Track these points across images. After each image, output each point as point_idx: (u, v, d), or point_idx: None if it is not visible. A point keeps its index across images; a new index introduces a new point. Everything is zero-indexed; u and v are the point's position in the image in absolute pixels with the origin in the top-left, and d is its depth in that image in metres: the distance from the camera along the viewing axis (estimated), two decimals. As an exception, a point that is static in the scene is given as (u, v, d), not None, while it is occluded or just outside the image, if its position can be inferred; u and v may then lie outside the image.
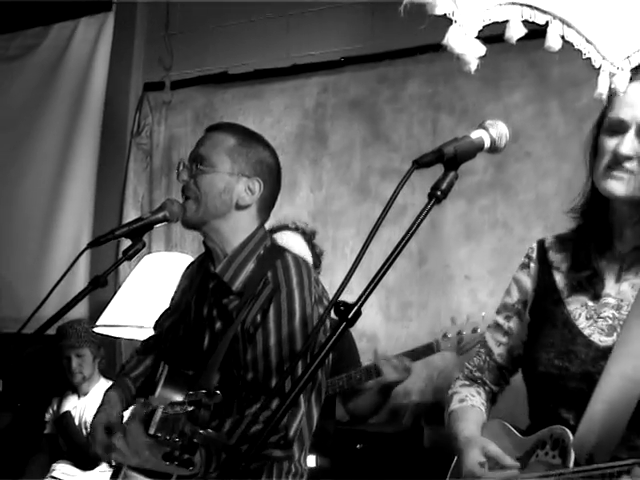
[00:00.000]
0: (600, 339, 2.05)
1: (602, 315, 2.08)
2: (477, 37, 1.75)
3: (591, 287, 2.12)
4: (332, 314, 1.73)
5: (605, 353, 2.01)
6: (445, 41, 1.55)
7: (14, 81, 6.49)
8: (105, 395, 2.88)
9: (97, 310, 5.14)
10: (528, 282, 2.29)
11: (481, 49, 1.61)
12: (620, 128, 2.02)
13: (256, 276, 2.64)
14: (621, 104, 1.99)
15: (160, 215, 2.72)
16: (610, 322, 2.06)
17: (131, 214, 5.67)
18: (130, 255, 2.67)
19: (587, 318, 2.10)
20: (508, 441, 2.16)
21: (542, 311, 2.21)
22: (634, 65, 1.73)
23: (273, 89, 5.59)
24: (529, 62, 4.79)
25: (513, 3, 1.59)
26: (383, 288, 4.96)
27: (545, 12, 1.65)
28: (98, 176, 6.03)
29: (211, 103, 5.81)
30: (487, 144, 1.90)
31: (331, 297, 1.70)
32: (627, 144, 2.00)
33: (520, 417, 2.30)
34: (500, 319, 2.36)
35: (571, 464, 1.92)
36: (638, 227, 2.09)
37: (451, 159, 1.80)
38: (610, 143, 2.05)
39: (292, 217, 4.39)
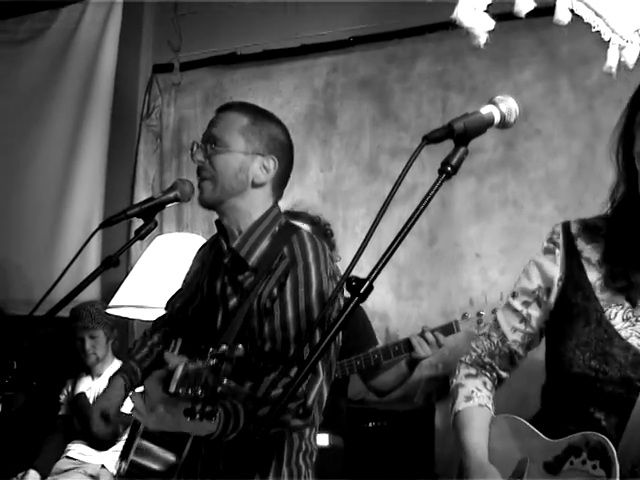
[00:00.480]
0: (639, 343, 1.97)
1: None
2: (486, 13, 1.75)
3: (626, 292, 2.02)
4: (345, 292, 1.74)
5: None
6: (454, 15, 1.55)
7: (23, 65, 6.50)
8: (110, 381, 2.91)
9: (109, 292, 5.17)
10: (554, 269, 2.16)
11: (490, 23, 1.61)
12: None
13: (271, 252, 2.66)
14: None
15: (172, 195, 2.75)
16: None
17: (142, 196, 5.69)
18: (142, 235, 2.69)
19: (624, 319, 2.01)
20: (530, 441, 2.09)
21: (572, 305, 2.10)
22: (644, 38, 1.73)
23: (282, 69, 5.60)
24: (538, 40, 4.78)
25: (521, -23, 1.59)
26: (394, 267, 4.98)
27: (554, -14, 1.65)
28: (108, 158, 6.05)
29: (220, 84, 5.82)
30: (497, 119, 1.90)
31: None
32: None
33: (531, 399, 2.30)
34: (517, 304, 2.25)
35: (617, 477, 1.84)
36: None
37: (461, 134, 1.80)
38: None
39: (306, 201, 4.40)
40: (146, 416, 2.52)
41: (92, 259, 5.71)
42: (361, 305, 4.44)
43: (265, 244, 2.70)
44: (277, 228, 2.74)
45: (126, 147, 6.04)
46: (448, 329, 4.10)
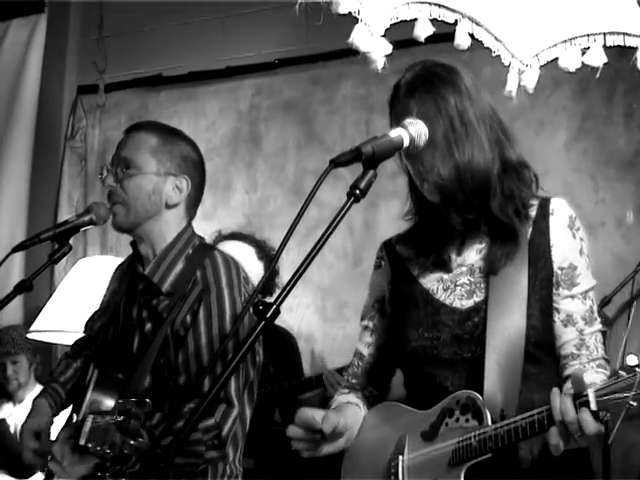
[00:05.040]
0: (461, 303, 2.19)
1: (458, 283, 2.21)
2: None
3: (441, 264, 2.24)
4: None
5: (468, 314, 2.16)
6: (350, 40, 1.56)
7: (-55, 86, 6.39)
8: (33, 403, 2.86)
9: (33, 316, 5.08)
10: (383, 279, 2.39)
11: (387, 47, 1.62)
12: None
13: (185, 276, 2.65)
14: None
15: (86, 218, 2.72)
16: (468, 287, 2.20)
17: (65, 218, 5.61)
18: (56, 259, 2.67)
19: (444, 289, 2.22)
20: (404, 419, 2.22)
21: (402, 298, 2.30)
22: (543, 62, 1.75)
23: (207, 91, 5.60)
24: (461, 62, 4.80)
25: (422, 2, 1.60)
26: (319, 289, 4.99)
27: (454, 11, 1.67)
28: (32, 181, 5.96)
29: (145, 106, 5.78)
30: (406, 142, 1.93)
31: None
32: None
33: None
34: (365, 322, 2.44)
35: (489, 422, 1.99)
36: (459, 203, 2.16)
37: (369, 158, 1.82)
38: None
39: (237, 223, 4.39)
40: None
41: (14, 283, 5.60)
42: (289, 330, 4.42)
43: (179, 267, 2.68)
44: (191, 250, 2.72)
45: (50, 169, 5.95)
46: None
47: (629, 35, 1.77)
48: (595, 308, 2.19)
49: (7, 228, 5.94)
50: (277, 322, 4.20)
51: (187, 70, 5.63)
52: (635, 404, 1.71)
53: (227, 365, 1.65)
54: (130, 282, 2.80)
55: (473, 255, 2.22)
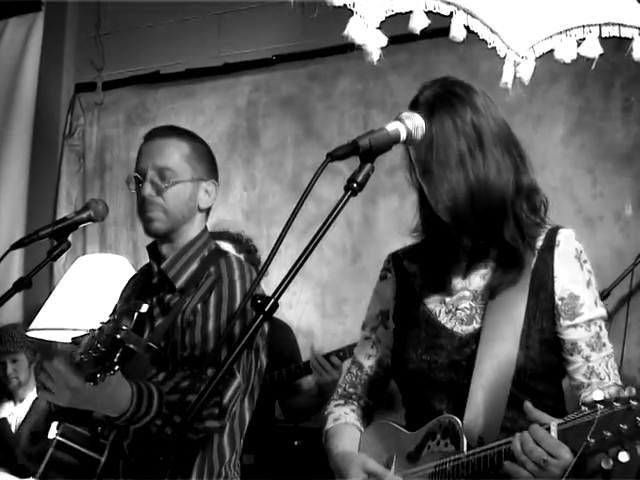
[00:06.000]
0: (461, 329, 2.18)
1: (460, 307, 2.21)
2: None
3: (443, 287, 2.24)
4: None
5: (467, 340, 2.16)
6: (346, 32, 1.56)
7: (-55, 85, 6.39)
8: (33, 404, 2.86)
9: (32, 314, 5.08)
10: (388, 292, 2.37)
11: (382, 40, 1.62)
12: None
13: (199, 275, 2.68)
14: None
15: (85, 215, 2.72)
16: (468, 312, 2.19)
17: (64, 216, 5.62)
18: (54, 256, 2.67)
19: (446, 313, 2.22)
20: (396, 440, 2.23)
21: (405, 316, 2.30)
22: (538, 54, 1.76)
23: (205, 88, 5.60)
24: (458, 57, 4.83)
25: (417, -7, 1.60)
26: (318, 285, 4.98)
27: (449, 3, 1.67)
28: (30, 179, 5.97)
29: (143, 103, 5.79)
30: (403, 136, 1.92)
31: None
32: None
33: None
34: (367, 333, 2.42)
35: (465, 448, 2.00)
36: (472, 227, 2.17)
37: (366, 151, 1.82)
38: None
39: (227, 220, 4.37)
40: (57, 397, 2.42)
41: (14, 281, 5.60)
42: (288, 324, 4.42)
43: (194, 267, 2.72)
44: (206, 252, 2.76)
45: (48, 167, 5.97)
46: (352, 350, 4.12)
47: (625, 26, 1.78)
48: (604, 334, 2.15)
49: (6, 226, 5.94)
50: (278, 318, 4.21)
51: (184, 67, 5.64)
52: (593, 441, 1.72)
53: (227, 358, 1.66)
54: (145, 281, 2.84)
55: (477, 280, 2.22)
